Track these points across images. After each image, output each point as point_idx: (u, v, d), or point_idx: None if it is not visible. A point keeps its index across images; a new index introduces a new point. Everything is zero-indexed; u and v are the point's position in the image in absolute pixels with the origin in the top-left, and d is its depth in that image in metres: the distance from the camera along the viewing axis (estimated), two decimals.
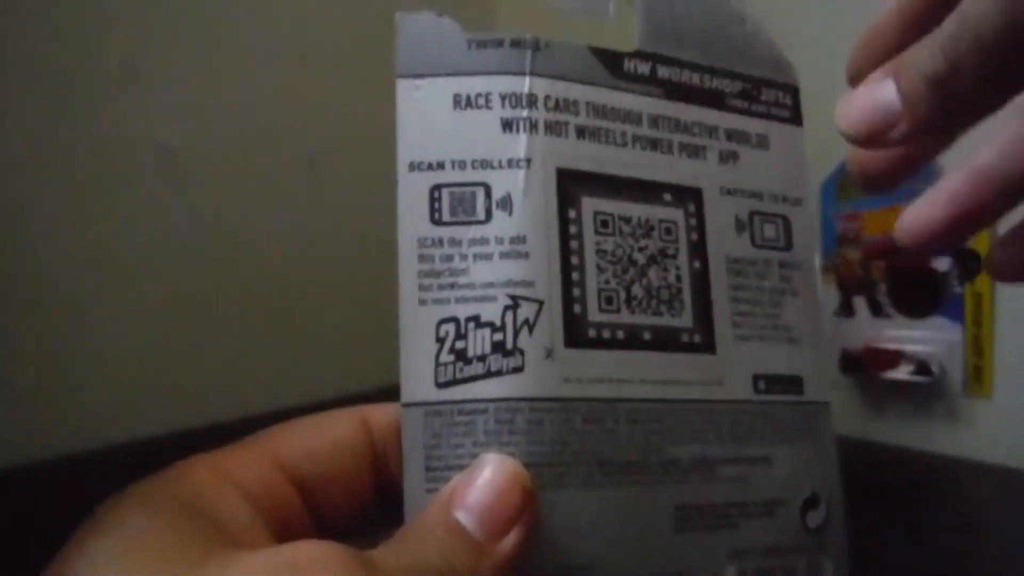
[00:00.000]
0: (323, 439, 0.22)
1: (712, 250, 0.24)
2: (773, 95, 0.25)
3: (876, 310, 0.54)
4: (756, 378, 0.23)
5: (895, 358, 0.53)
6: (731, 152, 0.24)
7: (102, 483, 0.48)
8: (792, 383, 0.24)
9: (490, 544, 0.19)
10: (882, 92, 0.22)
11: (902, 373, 0.53)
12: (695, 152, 0.24)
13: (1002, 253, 0.23)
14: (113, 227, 0.49)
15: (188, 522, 0.18)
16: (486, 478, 0.20)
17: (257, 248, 0.57)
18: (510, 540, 0.19)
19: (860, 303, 0.55)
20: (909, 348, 0.52)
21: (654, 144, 0.23)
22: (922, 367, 0.52)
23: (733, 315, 0.23)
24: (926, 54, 0.21)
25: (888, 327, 0.54)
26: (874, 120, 0.22)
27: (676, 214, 0.23)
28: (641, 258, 0.23)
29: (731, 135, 0.24)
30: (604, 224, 0.23)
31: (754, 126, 0.25)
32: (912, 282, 0.53)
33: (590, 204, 0.22)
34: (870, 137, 0.22)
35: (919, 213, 0.23)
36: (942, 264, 0.51)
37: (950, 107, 0.21)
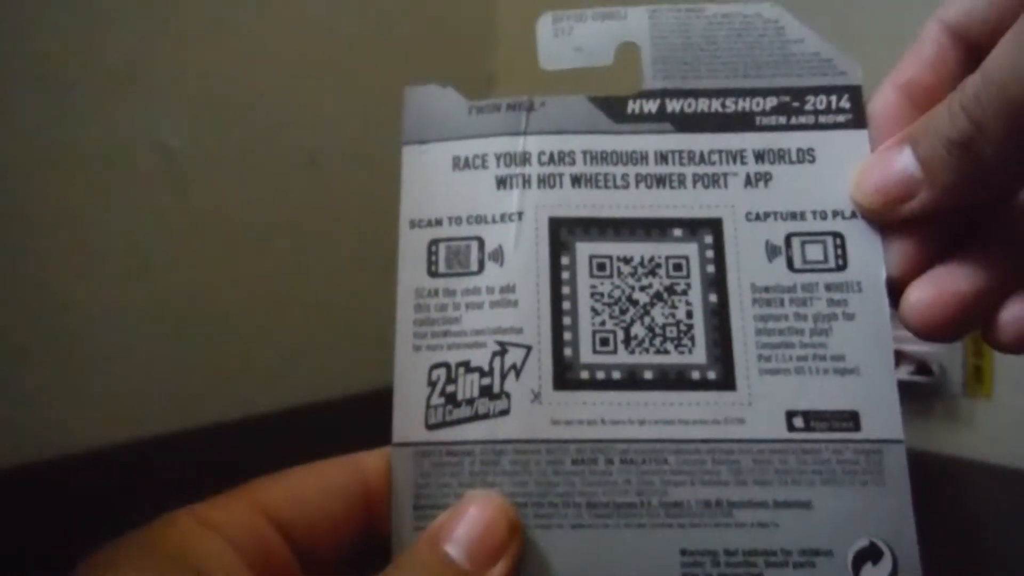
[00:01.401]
0: (311, 485, 0.22)
1: (733, 281, 0.23)
2: (823, 101, 0.24)
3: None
4: (791, 415, 0.22)
5: (895, 358, 0.53)
6: (762, 174, 0.23)
7: (102, 483, 0.48)
8: (843, 419, 0.22)
9: (478, 574, 0.19)
10: (898, 160, 0.21)
11: (902, 373, 0.53)
12: (713, 181, 0.23)
13: (1008, 318, 0.21)
14: (113, 227, 0.49)
15: (169, 569, 0.18)
16: (472, 513, 0.20)
17: (257, 248, 0.57)
18: (497, 571, 0.20)
19: None
20: (909, 348, 0.52)
21: (661, 181, 0.23)
22: (922, 367, 0.52)
23: (760, 348, 0.22)
24: (946, 115, 0.19)
25: None
26: (890, 189, 0.21)
27: (688, 248, 0.23)
28: (644, 297, 0.23)
29: (762, 155, 0.23)
30: (600, 267, 0.23)
31: (794, 140, 0.23)
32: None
33: (585, 248, 0.23)
34: (885, 207, 0.21)
35: (932, 291, 0.21)
36: None
37: (976, 173, 0.19)
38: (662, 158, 0.23)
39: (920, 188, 0.21)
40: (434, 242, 0.23)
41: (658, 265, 0.23)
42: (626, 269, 0.23)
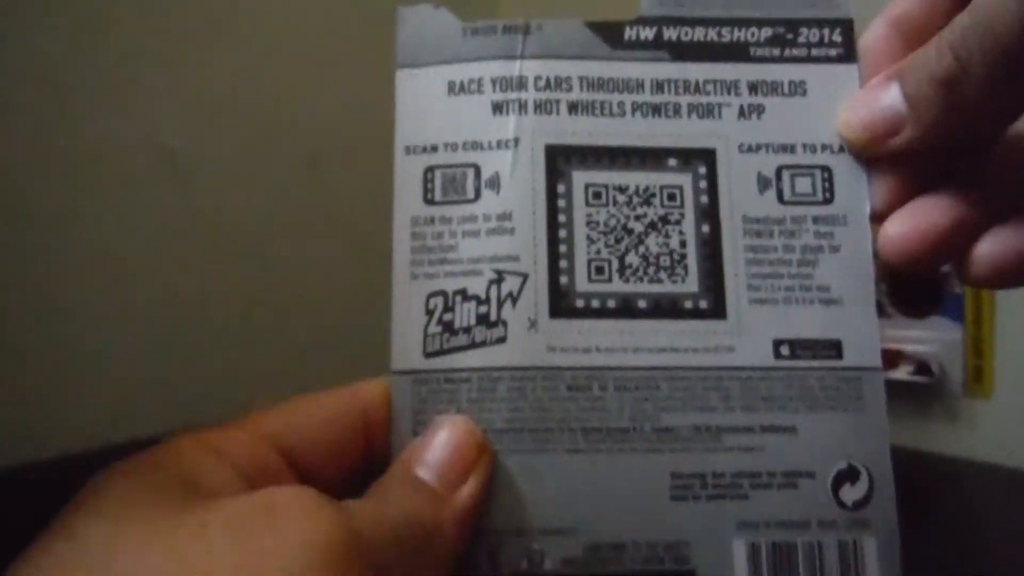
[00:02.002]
0: (312, 412, 0.22)
1: (726, 212, 0.23)
2: (815, 34, 0.24)
3: (876, 310, 0.54)
4: (778, 343, 0.23)
5: (895, 358, 0.53)
6: (755, 105, 0.24)
7: None
8: (827, 347, 0.23)
9: (449, 494, 0.20)
10: (885, 96, 0.21)
11: (902, 373, 0.53)
12: (708, 111, 0.23)
13: (982, 252, 0.21)
14: (113, 227, 0.49)
15: (168, 483, 0.19)
16: (440, 437, 0.21)
17: (257, 248, 0.57)
18: (467, 489, 0.20)
19: None
20: (909, 348, 0.52)
21: (657, 110, 0.23)
22: (922, 367, 0.52)
23: (750, 278, 0.23)
24: (934, 53, 0.20)
25: (888, 327, 0.54)
26: (876, 124, 0.22)
27: (682, 178, 0.23)
28: (638, 226, 0.23)
29: (755, 87, 0.24)
30: (596, 195, 0.23)
31: (787, 73, 0.24)
32: (912, 282, 0.53)
33: (581, 177, 0.23)
34: (871, 142, 0.22)
35: (909, 223, 0.22)
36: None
37: (959, 110, 0.20)
38: (658, 87, 0.24)
39: (905, 124, 0.21)
40: (430, 169, 0.23)
41: (653, 195, 0.23)
42: (621, 198, 0.23)
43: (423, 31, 0.24)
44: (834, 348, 0.23)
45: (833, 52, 0.24)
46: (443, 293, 0.22)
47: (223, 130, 0.54)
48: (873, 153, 0.22)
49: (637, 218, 0.23)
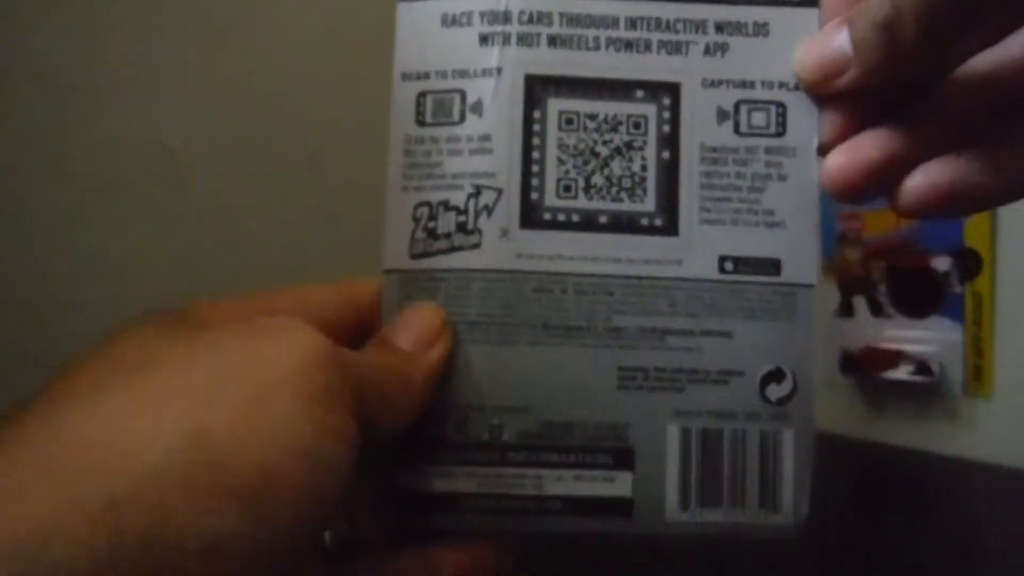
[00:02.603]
0: (313, 296, 0.26)
1: (685, 141, 0.25)
2: None
3: (876, 310, 0.54)
4: (723, 259, 0.25)
5: (895, 358, 0.53)
6: (720, 44, 0.25)
7: None
8: (766, 265, 0.25)
9: (419, 354, 0.24)
10: (836, 39, 0.23)
11: (902, 373, 0.53)
12: (676, 48, 0.25)
13: (910, 184, 0.23)
14: (113, 227, 0.49)
15: (179, 324, 0.22)
16: (410, 314, 0.25)
17: (257, 248, 0.57)
18: (434, 352, 0.24)
19: (860, 303, 0.55)
20: (909, 348, 0.52)
21: (629, 45, 0.25)
22: (922, 367, 0.52)
23: (702, 200, 0.25)
24: (876, 1, 0.22)
25: (888, 327, 0.54)
26: (825, 65, 0.24)
27: (648, 109, 0.25)
28: (605, 150, 0.25)
29: (721, 27, 0.25)
30: (569, 121, 0.25)
31: (751, 14, 0.25)
32: (912, 282, 0.53)
33: (556, 104, 0.25)
34: (821, 81, 0.24)
35: (847, 157, 0.24)
36: (942, 264, 0.51)
37: (895, 54, 0.22)
38: (631, 24, 0.25)
39: (850, 65, 0.23)
40: (422, 94, 0.25)
41: (620, 123, 0.25)
42: (591, 124, 0.25)
43: None
44: (773, 266, 0.25)
45: None
46: (428, 204, 0.25)
47: (223, 130, 0.54)
48: (822, 91, 0.24)
49: (604, 143, 0.25)
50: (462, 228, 0.25)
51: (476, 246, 0.25)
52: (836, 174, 0.23)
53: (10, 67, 0.45)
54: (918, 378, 0.52)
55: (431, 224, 0.25)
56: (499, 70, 0.25)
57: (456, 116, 0.25)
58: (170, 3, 0.51)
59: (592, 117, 0.25)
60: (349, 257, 0.63)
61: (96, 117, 0.48)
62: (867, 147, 0.23)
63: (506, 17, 0.25)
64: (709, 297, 0.25)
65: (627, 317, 0.25)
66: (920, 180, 0.23)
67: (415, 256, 0.25)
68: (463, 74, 0.25)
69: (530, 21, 0.25)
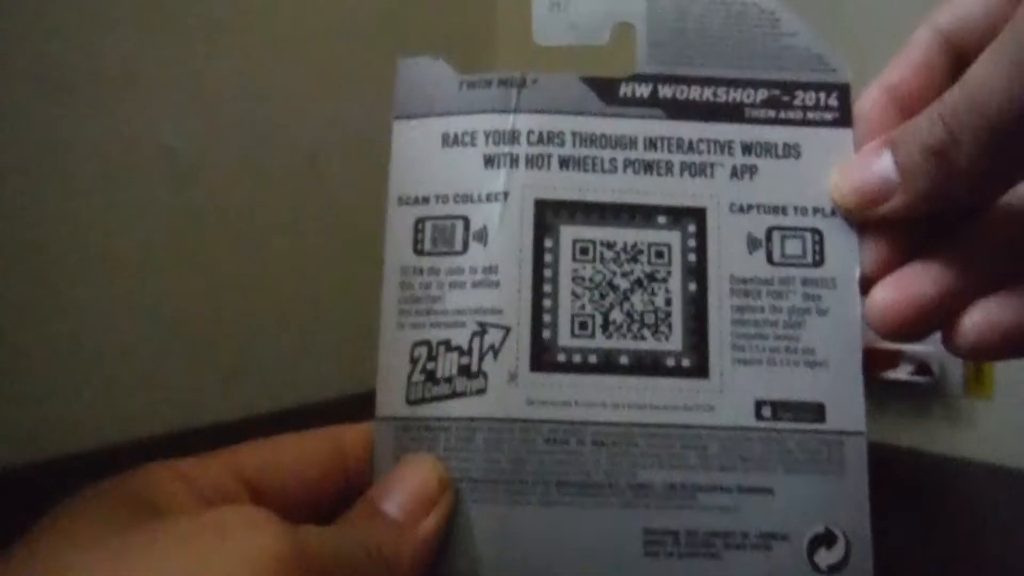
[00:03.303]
0: (290, 453, 0.23)
1: (714, 271, 0.23)
2: (812, 98, 0.24)
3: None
4: (760, 404, 0.23)
5: (895, 358, 0.53)
6: (748, 166, 0.24)
7: None
8: (809, 410, 0.23)
9: (410, 526, 0.21)
10: (878, 162, 0.21)
11: (902, 373, 0.53)
12: (700, 170, 0.24)
13: (968, 324, 0.21)
14: (113, 227, 0.49)
15: (129, 504, 0.19)
16: (405, 473, 0.22)
17: (257, 248, 0.57)
18: (428, 523, 0.21)
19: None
20: (909, 348, 0.52)
21: (649, 167, 0.23)
22: (922, 367, 0.52)
23: (735, 338, 0.23)
24: (926, 123, 0.20)
25: None
26: (867, 190, 0.22)
27: (671, 236, 0.23)
28: (624, 283, 0.23)
29: (749, 148, 0.24)
30: (583, 251, 0.23)
31: (782, 135, 0.24)
32: None
33: (569, 232, 0.23)
34: (862, 207, 0.22)
35: (896, 292, 0.22)
36: None
37: (949, 180, 0.20)
38: (651, 144, 0.24)
39: (896, 191, 0.21)
40: (420, 220, 0.24)
41: (640, 252, 0.23)
42: (609, 254, 0.23)
43: (421, 83, 0.24)
44: (817, 411, 0.23)
45: (828, 116, 0.24)
46: (427, 343, 0.23)
47: (223, 130, 0.54)
48: (863, 218, 0.23)
49: (623, 275, 0.23)
50: (465, 371, 0.23)
51: (481, 392, 0.22)
52: (885, 311, 0.21)
53: (10, 67, 0.45)
54: (918, 378, 0.52)
55: (430, 366, 0.23)
56: (506, 194, 0.23)
57: (458, 245, 0.23)
58: (170, 3, 0.51)
59: (609, 246, 0.23)
60: (349, 257, 0.63)
61: (96, 117, 0.48)
62: (918, 281, 0.21)
63: (514, 137, 0.23)
64: (745, 448, 0.22)
65: (653, 472, 0.22)
66: (980, 319, 0.21)
67: (412, 402, 0.23)
68: (466, 199, 0.23)
69: (540, 141, 0.23)
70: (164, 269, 0.52)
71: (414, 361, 0.23)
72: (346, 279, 0.61)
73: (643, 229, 0.23)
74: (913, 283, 0.21)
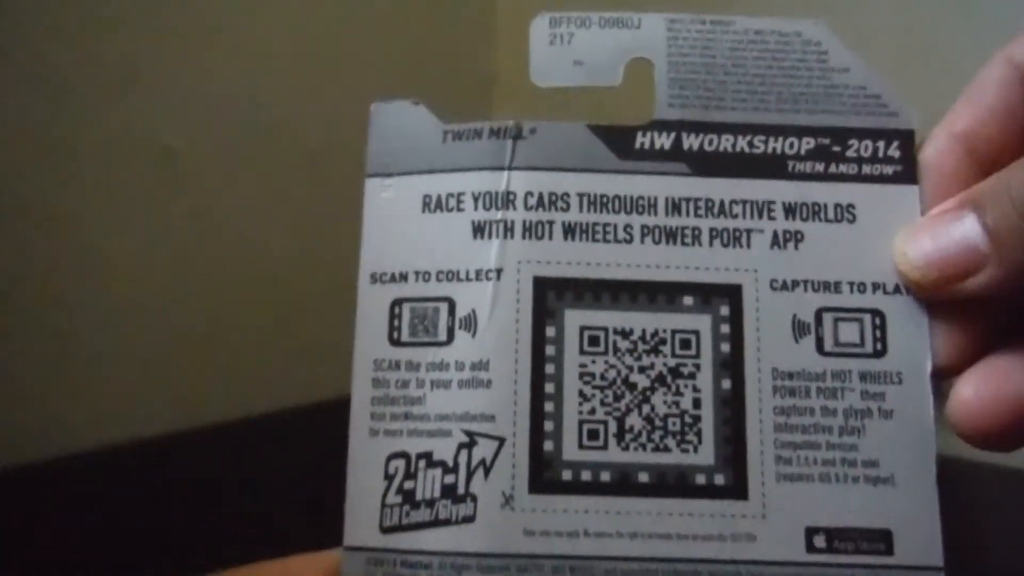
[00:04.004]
0: None
1: (752, 364, 0.19)
2: (868, 148, 0.20)
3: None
4: (811, 532, 0.18)
5: None
6: (792, 232, 0.19)
7: (102, 483, 0.48)
8: (874, 539, 0.19)
9: None
10: (959, 226, 0.17)
11: None
12: (734, 239, 0.20)
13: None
14: (113, 227, 0.49)
15: None
16: None
17: (257, 248, 0.57)
18: None
19: None
20: None
21: (672, 235, 0.19)
22: None
23: (779, 448, 0.19)
24: (1020, 176, 0.17)
25: None
26: (948, 261, 0.18)
27: (700, 321, 0.19)
28: (643, 380, 0.19)
29: (793, 210, 0.20)
30: (593, 341, 0.19)
31: (832, 194, 0.20)
32: None
33: (575, 318, 0.19)
34: (942, 283, 0.18)
35: (986, 386, 0.18)
36: None
37: None
38: (674, 207, 0.20)
39: (985, 263, 0.17)
40: (397, 302, 0.20)
41: (662, 341, 0.19)
42: (624, 345, 0.19)
43: (398, 133, 0.20)
44: (883, 540, 0.19)
45: (888, 170, 0.20)
46: (405, 455, 0.19)
47: (223, 130, 0.54)
48: (941, 296, 0.18)
49: (642, 370, 0.19)
50: (450, 492, 0.18)
51: (469, 519, 0.18)
52: (979, 413, 0.18)
53: (10, 67, 0.45)
54: None
55: (408, 484, 0.19)
56: (499, 271, 0.19)
57: (442, 334, 0.19)
58: (170, 3, 0.51)
59: (625, 335, 0.19)
60: (349, 257, 0.63)
61: (96, 117, 0.48)
62: (1017, 375, 0.17)
63: (508, 200, 0.19)
64: None
65: None
66: None
67: (386, 529, 0.18)
68: (452, 276, 0.19)
69: (539, 205, 0.19)
70: (164, 269, 0.52)
71: (389, 477, 0.19)
72: (346, 279, 0.61)
73: (666, 313, 0.19)
74: (1009, 377, 0.17)
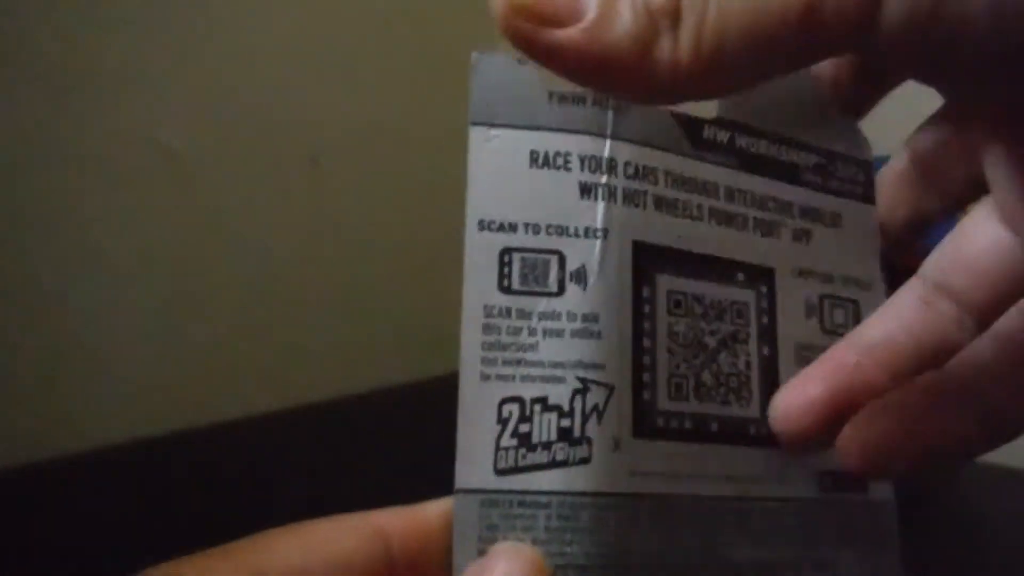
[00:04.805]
0: (320, 549, 0.19)
1: (782, 335, 0.22)
2: (848, 171, 0.23)
3: None
4: (822, 475, 0.21)
5: None
6: (805, 230, 0.23)
7: (102, 483, 0.48)
8: (856, 480, 0.21)
9: None
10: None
11: None
12: (769, 229, 0.22)
13: (852, 431, 0.20)
14: (113, 227, 0.49)
15: None
16: (502, 569, 0.18)
17: (257, 248, 0.57)
18: None
19: None
20: None
21: (730, 219, 0.22)
22: None
23: None
24: None
25: None
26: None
27: (748, 295, 0.22)
28: (712, 342, 0.21)
29: (805, 212, 0.23)
30: (677, 304, 0.21)
31: (828, 203, 0.23)
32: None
33: (664, 282, 0.21)
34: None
35: (793, 392, 0.21)
36: None
37: None
38: (729, 195, 0.22)
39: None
40: (507, 251, 0.20)
41: (724, 309, 0.21)
42: (698, 309, 0.21)
43: (503, 86, 0.21)
44: (861, 481, 0.22)
45: (859, 190, 0.23)
46: (519, 400, 0.19)
47: (223, 130, 0.54)
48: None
49: (711, 332, 0.21)
50: (566, 436, 0.19)
51: (585, 460, 0.19)
52: (781, 412, 0.21)
53: (10, 67, 0.45)
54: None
55: (524, 428, 0.19)
56: (605, 232, 0.20)
57: (553, 285, 0.20)
58: (170, 3, 0.51)
59: (699, 300, 0.21)
60: (349, 257, 0.63)
61: (96, 117, 0.48)
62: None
63: (611, 166, 0.21)
64: (815, 521, 0.21)
65: (741, 550, 0.20)
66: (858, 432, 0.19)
67: (503, 471, 0.19)
68: (561, 231, 0.20)
69: (636, 176, 0.21)
70: (164, 269, 0.52)
71: (503, 421, 0.19)
72: (346, 279, 0.61)
73: (726, 285, 0.21)
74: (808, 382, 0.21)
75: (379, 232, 0.62)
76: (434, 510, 0.20)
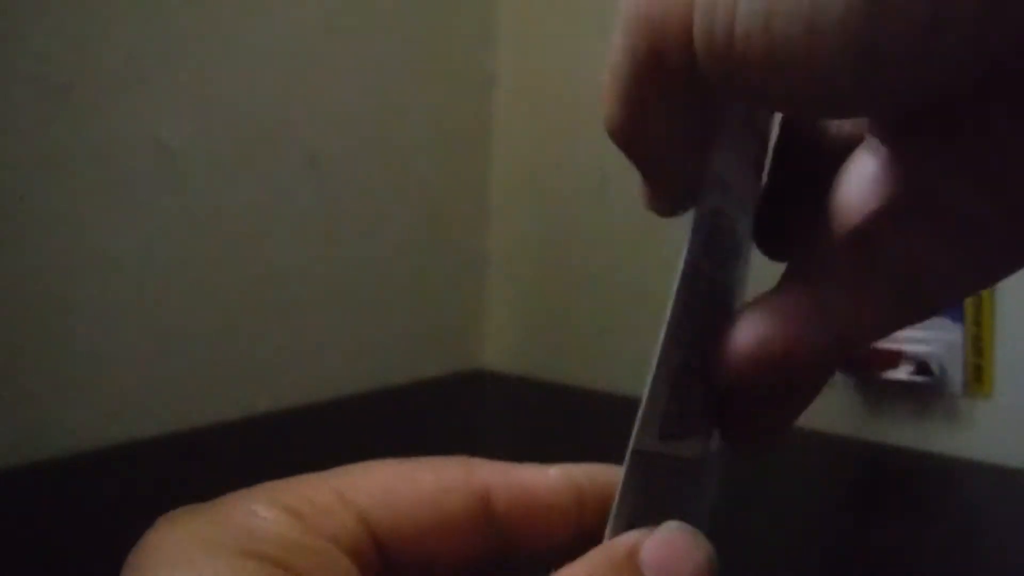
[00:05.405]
0: (416, 495, 0.18)
1: None
2: None
3: None
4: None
5: (895, 358, 0.53)
6: None
7: (102, 483, 0.48)
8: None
9: None
10: None
11: (902, 373, 0.53)
12: None
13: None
14: (113, 227, 0.49)
15: (230, 544, 0.16)
16: (679, 544, 0.17)
17: (257, 248, 0.57)
18: None
19: None
20: (909, 348, 0.52)
21: None
22: (922, 367, 0.52)
23: None
24: None
25: None
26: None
27: None
28: None
29: None
30: None
31: None
32: None
33: None
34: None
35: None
36: None
37: None
38: None
39: None
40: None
41: None
42: None
43: None
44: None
45: None
46: (689, 367, 0.19)
47: (223, 130, 0.54)
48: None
49: None
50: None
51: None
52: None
53: (10, 67, 0.45)
54: (918, 378, 0.52)
55: (684, 396, 0.19)
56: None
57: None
58: (170, 3, 0.51)
59: None
60: (348, 257, 0.64)
61: (96, 117, 0.48)
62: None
63: None
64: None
65: None
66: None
67: (664, 437, 0.19)
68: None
69: None
70: (163, 269, 0.52)
71: (674, 387, 0.19)
72: (345, 279, 0.61)
73: None
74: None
75: (378, 232, 0.62)
76: (540, 479, 0.19)
